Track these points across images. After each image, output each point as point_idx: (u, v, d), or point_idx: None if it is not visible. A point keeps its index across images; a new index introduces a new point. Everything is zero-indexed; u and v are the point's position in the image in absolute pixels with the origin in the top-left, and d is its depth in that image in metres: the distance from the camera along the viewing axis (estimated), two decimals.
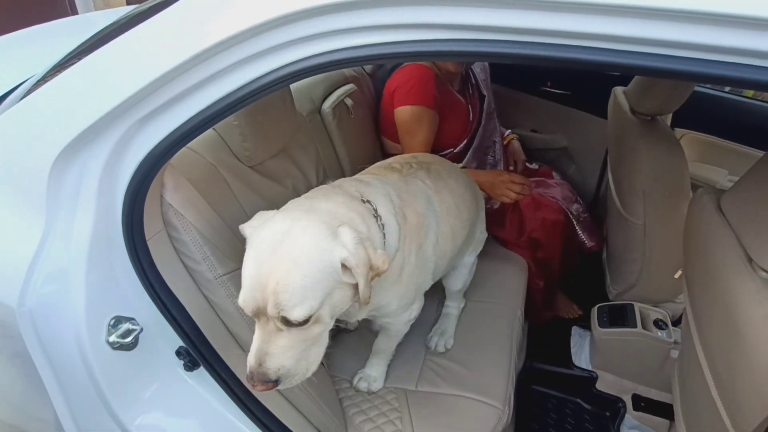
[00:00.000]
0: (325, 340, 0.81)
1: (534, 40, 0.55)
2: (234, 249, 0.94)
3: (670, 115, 1.95)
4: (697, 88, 1.96)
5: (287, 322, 0.73)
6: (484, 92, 1.84)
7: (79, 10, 4.06)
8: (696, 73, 0.50)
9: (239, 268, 0.95)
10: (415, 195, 1.05)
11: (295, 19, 0.60)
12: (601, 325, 1.58)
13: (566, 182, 2.00)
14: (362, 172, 1.14)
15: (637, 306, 1.58)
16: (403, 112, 1.56)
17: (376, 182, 1.00)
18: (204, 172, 0.98)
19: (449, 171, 1.24)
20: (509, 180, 1.66)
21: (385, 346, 1.20)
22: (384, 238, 0.90)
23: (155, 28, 0.66)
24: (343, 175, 1.54)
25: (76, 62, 0.71)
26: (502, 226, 1.75)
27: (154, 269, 0.79)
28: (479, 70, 1.83)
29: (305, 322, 0.73)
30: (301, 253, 0.73)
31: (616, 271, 1.79)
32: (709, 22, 0.46)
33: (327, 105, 1.42)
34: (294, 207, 0.84)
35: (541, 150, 2.22)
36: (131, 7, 1.36)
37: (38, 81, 0.84)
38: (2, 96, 1.00)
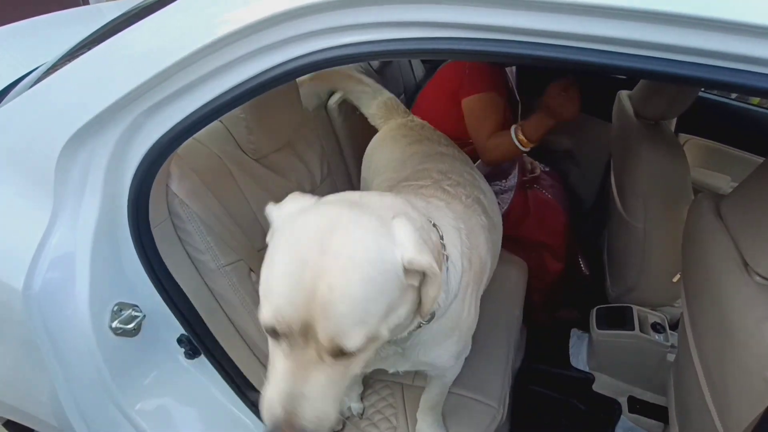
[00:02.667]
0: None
1: (539, 41, 0.56)
2: (237, 240, 0.96)
3: (675, 120, 1.95)
4: (701, 94, 1.97)
5: (337, 350, 0.52)
6: (518, 98, 1.84)
7: (90, 0, 4.08)
8: (703, 79, 0.51)
9: (241, 259, 0.97)
10: (477, 234, 0.89)
11: (301, 15, 0.61)
12: (600, 326, 1.59)
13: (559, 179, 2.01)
14: (410, 186, 0.95)
15: (635, 309, 1.59)
16: (472, 102, 1.49)
17: (446, 209, 0.83)
18: (210, 163, 0.99)
19: (490, 199, 1.13)
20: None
21: (438, 398, 1.04)
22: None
23: (163, 20, 0.68)
24: (347, 172, 1.57)
25: (86, 52, 0.72)
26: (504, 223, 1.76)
27: (158, 257, 0.81)
28: (511, 76, 1.83)
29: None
30: (357, 250, 0.53)
31: (615, 273, 1.80)
32: (717, 29, 0.47)
33: (333, 101, 1.43)
34: (337, 198, 0.65)
35: (544, 152, 2.22)
36: None
37: (48, 69, 0.85)
38: (13, 83, 1.02)
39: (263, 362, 0.99)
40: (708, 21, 0.47)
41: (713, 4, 0.46)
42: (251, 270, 0.96)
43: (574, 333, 1.80)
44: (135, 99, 0.69)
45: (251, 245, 0.98)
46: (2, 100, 0.92)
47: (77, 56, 0.74)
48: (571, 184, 2.24)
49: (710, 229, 0.94)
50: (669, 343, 1.45)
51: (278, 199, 1.15)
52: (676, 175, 1.39)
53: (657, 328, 1.50)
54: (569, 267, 1.84)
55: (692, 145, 2.00)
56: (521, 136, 1.36)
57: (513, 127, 1.38)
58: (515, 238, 1.72)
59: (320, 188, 1.31)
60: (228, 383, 0.90)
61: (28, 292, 0.73)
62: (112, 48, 0.70)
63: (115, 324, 0.77)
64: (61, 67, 0.74)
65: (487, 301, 1.50)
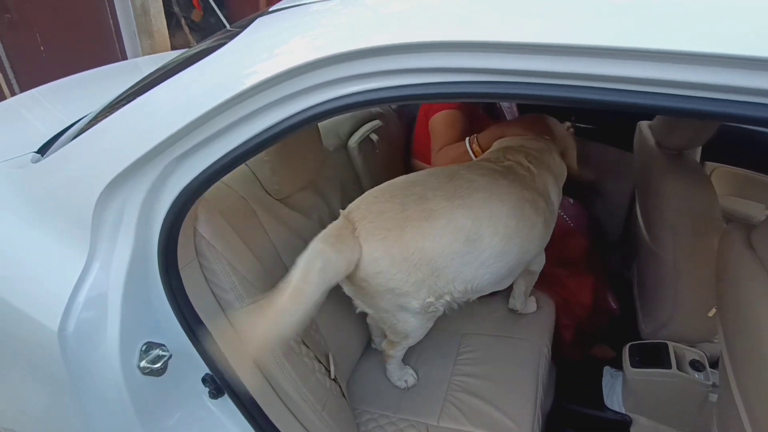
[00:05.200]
0: None
1: (551, 82, 0.57)
2: (261, 279, 0.98)
3: (699, 149, 1.91)
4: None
5: None
6: (508, 117, 1.87)
7: (128, 55, 4.40)
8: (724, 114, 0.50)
9: (264, 298, 0.98)
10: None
11: (323, 65, 0.65)
12: (634, 365, 1.51)
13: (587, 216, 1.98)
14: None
15: (671, 345, 1.51)
16: (435, 119, 1.59)
17: None
18: (235, 205, 1.03)
19: None
20: None
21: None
22: None
23: (196, 74, 0.73)
24: None
25: (124, 104, 0.78)
26: None
27: (185, 297, 0.83)
28: None
29: None
30: None
31: (647, 308, 1.73)
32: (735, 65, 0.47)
33: (353, 141, 1.48)
34: None
35: (566, 184, 2.21)
36: (176, 53, 1.47)
37: (89, 122, 0.92)
38: (57, 134, 1.10)
39: (286, 403, 0.98)
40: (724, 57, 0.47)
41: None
42: None
43: (608, 371, 1.72)
44: (166, 148, 0.73)
45: (273, 284, 1.00)
46: (48, 150, 1.00)
47: (115, 109, 0.80)
48: (596, 215, 2.21)
49: (742, 261, 0.90)
50: (710, 382, 1.37)
51: (301, 239, 1.18)
52: (704, 205, 1.35)
53: (696, 365, 1.42)
54: (598, 301, 1.79)
55: (721, 173, 1.95)
56: (476, 147, 1.46)
57: (467, 139, 1.49)
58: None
59: None
60: (251, 423, 0.90)
61: (63, 333, 0.76)
62: (147, 102, 0.75)
63: (143, 363, 0.79)
64: (101, 119, 0.81)
65: (514, 338, 1.48)
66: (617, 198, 2.14)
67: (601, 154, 2.12)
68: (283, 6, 0.80)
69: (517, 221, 1.11)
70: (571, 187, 2.19)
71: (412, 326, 1.12)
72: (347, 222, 1.02)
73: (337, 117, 1.36)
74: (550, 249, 1.72)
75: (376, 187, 1.12)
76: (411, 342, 1.20)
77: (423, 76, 0.62)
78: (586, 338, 1.81)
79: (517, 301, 1.53)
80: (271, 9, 0.83)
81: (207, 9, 4.86)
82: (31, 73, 3.84)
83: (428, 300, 1.05)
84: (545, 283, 1.69)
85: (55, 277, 0.80)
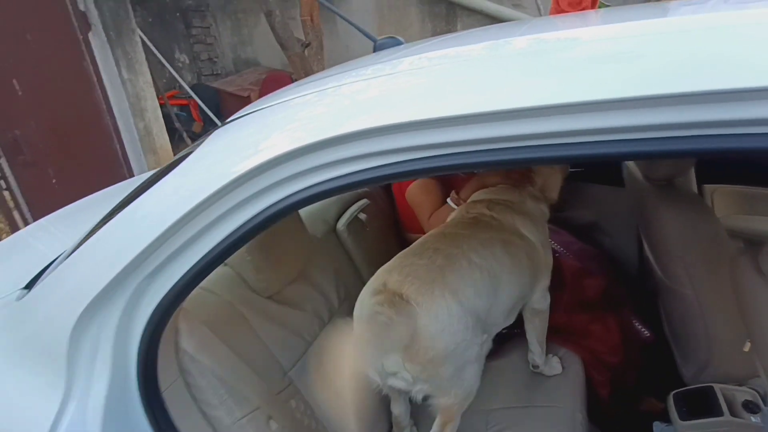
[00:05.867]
0: None
1: (506, 146, 0.57)
2: (253, 387, 0.93)
3: (692, 174, 1.89)
4: None
5: None
6: None
7: (135, 173, 4.66)
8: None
9: (258, 407, 0.92)
10: None
11: (295, 156, 0.66)
12: (682, 417, 1.36)
13: (600, 255, 1.90)
14: None
15: (718, 388, 1.37)
16: (411, 191, 1.64)
17: None
18: (220, 311, 1.00)
19: None
20: None
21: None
22: None
23: (160, 188, 0.75)
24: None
25: (96, 230, 0.80)
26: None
27: (171, 424, 0.78)
28: None
29: None
30: None
31: (683, 349, 1.59)
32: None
33: (341, 224, 1.48)
34: None
35: (568, 228, 2.16)
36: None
37: (68, 251, 0.93)
38: (46, 267, 1.11)
39: None
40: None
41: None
42: (270, 417, 0.91)
43: (657, 427, 1.54)
44: (137, 266, 0.73)
45: (268, 389, 0.95)
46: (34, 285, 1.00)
47: (90, 235, 0.81)
48: (609, 253, 2.13)
49: (756, 288, 0.84)
50: None
51: (296, 333, 1.13)
52: (706, 232, 1.30)
53: (750, 407, 1.27)
54: (628, 336, 1.65)
55: (721, 194, 1.90)
56: (460, 203, 1.50)
57: (449, 199, 1.53)
58: (556, 328, 1.60)
59: (339, 312, 1.29)
60: None
61: None
62: (116, 222, 0.77)
63: None
64: (77, 247, 0.81)
65: (544, 407, 1.35)
66: (624, 234, 2.08)
67: (596, 193, 2.10)
68: (263, 105, 0.82)
69: (494, 260, 1.17)
70: (578, 230, 2.16)
71: (475, 375, 1.13)
72: (390, 293, 1.01)
73: (323, 202, 1.38)
74: (566, 296, 1.65)
75: (388, 263, 1.14)
76: (472, 397, 1.16)
77: (400, 154, 0.63)
78: (626, 390, 1.66)
79: (535, 355, 1.45)
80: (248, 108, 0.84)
81: (206, 119, 5.21)
82: (45, 204, 4.05)
83: (484, 336, 1.12)
84: (568, 336, 1.59)
85: (32, 414, 0.76)
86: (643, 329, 1.72)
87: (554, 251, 1.86)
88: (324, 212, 1.48)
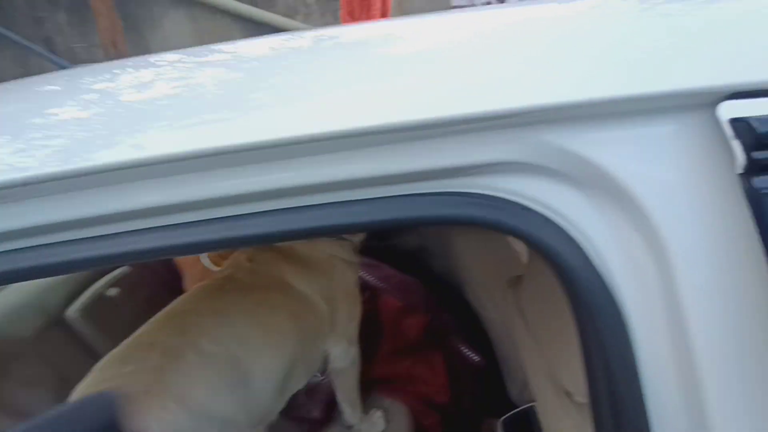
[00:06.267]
0: None
1: None
2: None
3: None
4: None
5: None
6: None
7: None
8: None
9: None
10: None
11: None
12: None
13: (419, 285, 1.80)
14: None
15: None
16: None
17: None
18: None
19: None
20: None
21: None
22: None
23: None
24: None
25: None
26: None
27: None
28: None
29: None
30: None
31: (506, 369, 1.54)
32: None
33: (73, 309, 1.10)
34: None
35: (396, 256, 2.06)
36: None
37: None
38: None
39: None
40: None
41: None
42: None
43: None
44: None
45: None
46: None
47: None
48: (437, 278, 2.06)
49: (517, 326, 0.73)
50: None
51: None
52: (497, 252, 1.24)
53: None
54: (457, 369, 1.55)
55: None
56: (214, 257, 1.22)
57: (201, 257, 1.21)
58: (377, 379, 1.42)
59: None
60: None
61: None
62: None
63: None
64: None
65: None
66: (442, 260, 2.04)
67: None
68: None
69: (236, 341, 0.92)
70: (401, 259, 2.06)
71: None
72: None
73: (38, 284, 0.99)
74: (385, 344, 1.49)
75: (83, 381, 0.82)
76: None
77: None
78: (464, 419, 1.54)
79: (346, 415, 1.25)
80: None
81: None
82: None
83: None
84: (390, 386, 1.42)
85: None
86: (472, 355, 1.64)
87: (374, 288, 1.72)
88: (40, 298, 1.08)
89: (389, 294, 1.67)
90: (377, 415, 1.30)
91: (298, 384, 1.06)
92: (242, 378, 0.89)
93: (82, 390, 0.79)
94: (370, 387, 1.40)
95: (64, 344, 1.07)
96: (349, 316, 1.16)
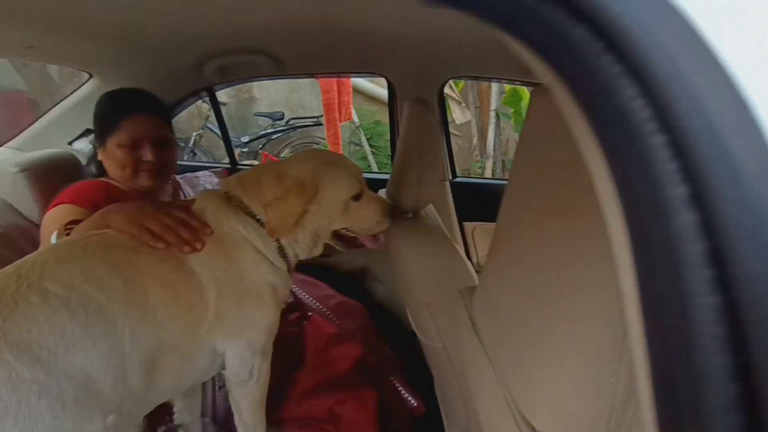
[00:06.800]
0: None
1: None
2: None
3: (452, 211, 1.79)
4: (460, 180, 1.89)
5: None
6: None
7: None
8: None
9: None
10: None
11: None
12: None
13: (367, 314, 1.59)
14: None
15: None
16: (44, 221, 1.07)
17: None
18: None
19: None
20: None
21: None
22: None
23: None
24: None
25: None
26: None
27: None
28: (192, 189, 1.45)
29: None
30: None
31: (447, 411, 1.35)
32: None
33: None
34: None
35: (337, 275, 1.85)
36: None
37: None
38: None
39: None
40: None
41: None
42: None
43: None
44: None
45: None
46: None
47: None
48: (380, 306, 1.87)
49: (468, 342, 0.56)
50: None
51: None
52: (448, 271, 1.08)
53: None
54: (390, 414, 1.33)
55: (481, 231, 1.84)
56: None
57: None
58: (290, 418, 1.17)
59: None
60: None
61: None
62: None
63: None
64: None
65: None
66: (385, 284, 1.86)
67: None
68: None
69: (95, 288, 0.73)
70: (343, 279, 1.86)
71: None
72: None
73: None
74: (305, 376, 1.26)
75: None
76: None
77: None
78: None
79: None
80: None
81: None
82: None
83: (109, 419, 0.69)
84: (307, 426, 1.17)
85: None
86: (410, 399, 1.43)
87: (306, 308, 1.50)
88: None
89: (323, 317, 1.46)
90: None
91: (167, 378, 0.81)
92: (108, 329, 0.70)
93: None
94: (281, 424, 1.16)
95: None
96: (244, 315, 0.91)
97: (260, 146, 4.44)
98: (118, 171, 1.19)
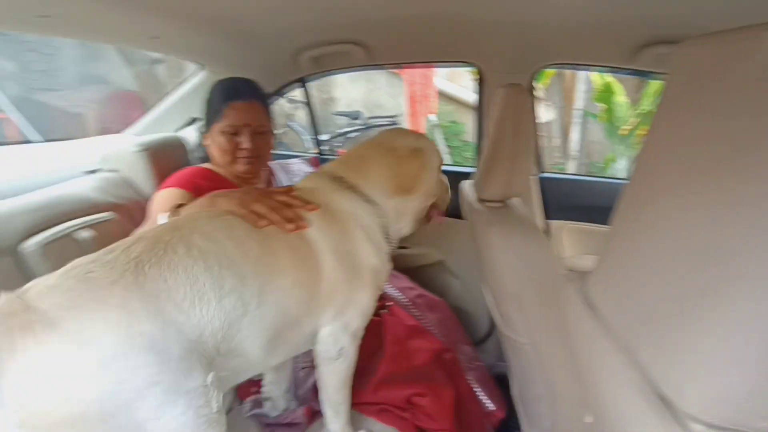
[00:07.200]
0: None
1: None
2: None
3: (540, 208, 1.71)
4: (547, 175, 1.79)
5: None
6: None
7: None
8: None
9: None
10: None
11: None
12: None
13: (447, 308, 1.56)
14: None
15: None
16: (152, 203, 1.14)
17: None
18: None
19: None
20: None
21: None
22: None
23: None
24: None
25: None
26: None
27: None
28: (285, 175, 1.50)
29: None
30: None
31: (528, 414, 1.28)
32: None
33: (32, 243, 0.93)
34: None
35: (415, 268, 1.84)
36: None
37: None
38: None
39: None
40: None
41: None
42: None
43: None
44: None
45: None
46: None
47: None
48: (456, 302, 1.82)
49: (581, 322, 0.52)
50: None
51: None
52: (540, 262, 1.02)
53: None
54: (466, 415, 1.29)
55: (570, 231, 1.74)
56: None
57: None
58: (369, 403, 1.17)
59: None
60: None
61: None
62: None
63: None
64: None
65: None
66: (473, 276, 1.81)
67: (445, 227, 1.82)
68: None
69: (236, 246, 0.78)
70: (418, 273, 1.84)
71: None
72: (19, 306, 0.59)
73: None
74: (384, 362, 1.26)
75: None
76: None
77: None
78: None
79: (330, 418, 1.02)
80: None
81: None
82: None
83: (208, 377, 0.68)
84: (385, 411, 1.17)
85: None
86: (487, 401, 1.38)
87: (388, 298, 1.50)
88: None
89: (403, 308, 1.45)
90: None
91: (277, 346, 0.85)
92: (236, 284, 0.72)
93: (49, 275, 0.65)
94: (358, 408, 1.16)
95: (9, 275, 0.90)
96: (350, 294, 0.94)
97: (338, 144, 4.57)
98: (219, 156, 1.27)
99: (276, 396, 1.15)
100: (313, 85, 1.80)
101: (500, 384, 1.43)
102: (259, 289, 0.76)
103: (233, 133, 1.24)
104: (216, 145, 1.26)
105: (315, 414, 1.12)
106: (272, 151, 1.37)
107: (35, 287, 0.62)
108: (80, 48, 5.05)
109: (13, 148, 1.52)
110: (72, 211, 1.06)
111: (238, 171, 1.28)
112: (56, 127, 4.40)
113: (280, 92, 1.73)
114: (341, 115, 4.86)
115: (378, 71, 5.19)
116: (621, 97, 3.85)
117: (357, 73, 5.29)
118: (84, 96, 4.49)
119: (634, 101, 3.99)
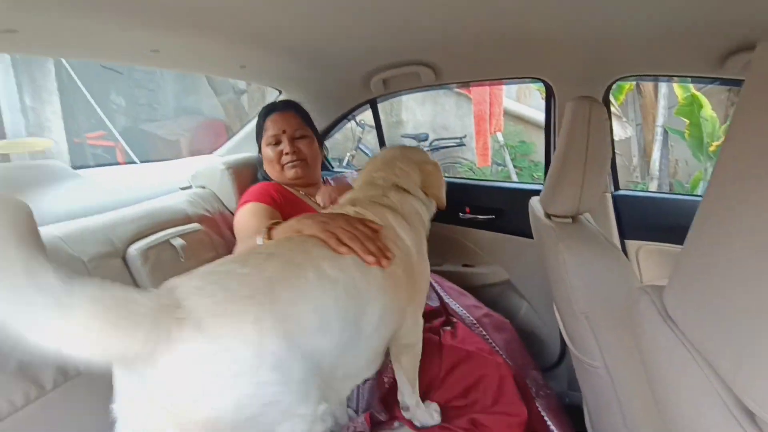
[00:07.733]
0: None
1: None
2: None
3: (614, 228, 1.61)
4: (627, 192, 1.69)
5: None
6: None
7: None
8: None
9: None
10: None
11: None
12: None
13: (514, 330, 1.50)
14: None
15: None
16: (237, 217, 1.27)
17: None
18: None
19: None
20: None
21: None
22: None
23: None
24: None
25: None
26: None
27: None
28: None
29: None
30: None
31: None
32: None
33: (136, 247, 1.06)
34: None
35: (480, 287, 1.81)
36: None
37: None
38: None
39: None
40: None
41: None
42: None
43: None
44: None
45: None
46: None
47: None
48: (523, 325, 1.75)
49: (658, 336, 0.49)
50: None
51: None
52: (613, 281, 0.97)
53: None
54: None
55: (647, 252, 1.62)
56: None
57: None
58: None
59: None
60: None
61: None
62: None
63: None
64: None
65: None
66: (542, 297, 1.74)
67: (511, 246, 1.78)
68: None
69: (359, 272, 0.83)
70: (484, 293, 1.80)
71: None
72: (167, 303, 0.60)
73: (108, 218, 0.97)
74: (454, 384, 1.23)
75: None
76: None
77: None
78: None
79: (404, 395, 1.09)
80: None
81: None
82: None
83: (320, 408, 0.68)
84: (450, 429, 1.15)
85: None
86: (555, 430, 1.30)
87: (454, 316, 1.47)
88: (111, 230, 1.06)
89: (469, 327, 1.42)
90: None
91: (380, 361, 0.93)
92: (358, 315, 0.77)
93: (189, 273, 0.68)
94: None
95: (117, 276, 1.03)
96: (424, 278, 1.05)
97: None
98: (270, 168, 1.39)
99: (336, 409, 1.18)
100: (381, 109, 1.87)
101: (571, 415, 1.35)
102: (379, 315, 0.81)
103: (275, 144, 1.35)
104: (266, 160, 1.39)
105: (376, 422, 1.13)
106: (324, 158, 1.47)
107: (183, 286, 0.63)
108: (178, 82, 5.68)
109: (122, 168, 1.75)
110: (168, 221, 1.20)
111: (288, 177, 1.37)
112: (156, 153, 4.95)
113: (350, 114, 1.82)
114: (409, 137, 4.96)
115: (446, 93, 5.25)
116: (708, 111, 3.55)
117: (424, 96, 5.38)
118: (179, 124, 5.01)
119: (724, 116, 3.65)
